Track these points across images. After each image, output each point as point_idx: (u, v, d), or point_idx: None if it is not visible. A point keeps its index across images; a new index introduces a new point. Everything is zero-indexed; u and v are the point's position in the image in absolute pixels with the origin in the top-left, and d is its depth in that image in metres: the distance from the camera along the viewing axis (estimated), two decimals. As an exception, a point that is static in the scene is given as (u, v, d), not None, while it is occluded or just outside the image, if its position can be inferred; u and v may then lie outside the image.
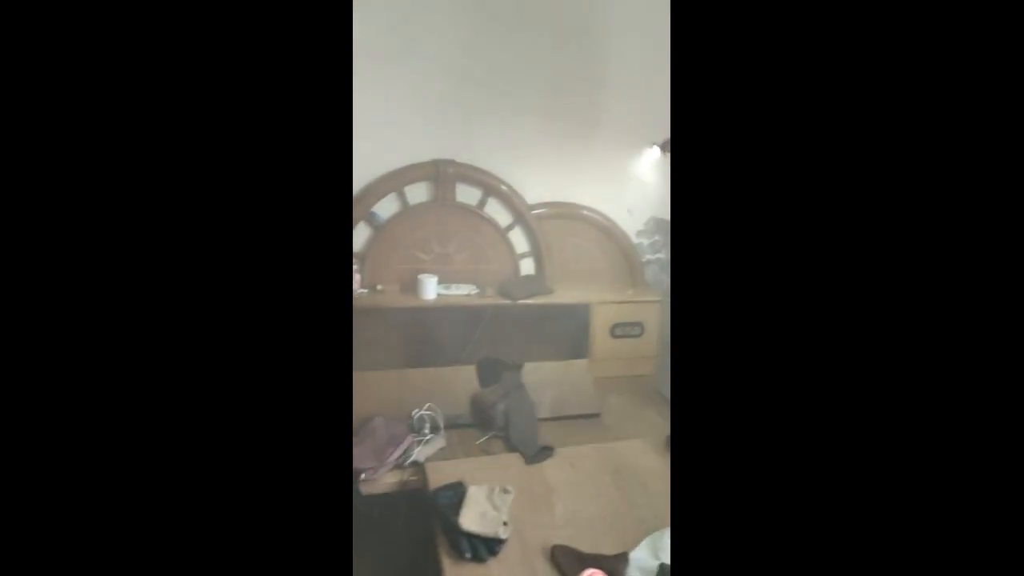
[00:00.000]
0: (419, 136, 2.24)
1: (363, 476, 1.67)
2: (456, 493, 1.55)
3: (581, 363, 2.28)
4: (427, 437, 1.84)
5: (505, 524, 1.43)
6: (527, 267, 2.50)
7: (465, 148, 2.29)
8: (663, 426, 2.04)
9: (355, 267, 2.26)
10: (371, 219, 2.26)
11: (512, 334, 2.37)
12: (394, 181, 2.24)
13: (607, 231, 2.55)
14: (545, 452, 1.81)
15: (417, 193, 2.30)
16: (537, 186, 2.43)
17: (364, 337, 2.22)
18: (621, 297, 2.47)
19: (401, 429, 1.84)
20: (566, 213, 2.48)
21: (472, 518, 1.44)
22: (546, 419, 2.05)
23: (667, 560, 1.32)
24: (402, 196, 2.28)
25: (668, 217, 2.58)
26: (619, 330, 2.45)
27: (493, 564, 1.36)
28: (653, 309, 2.49)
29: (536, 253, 2.47)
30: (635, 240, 2.62)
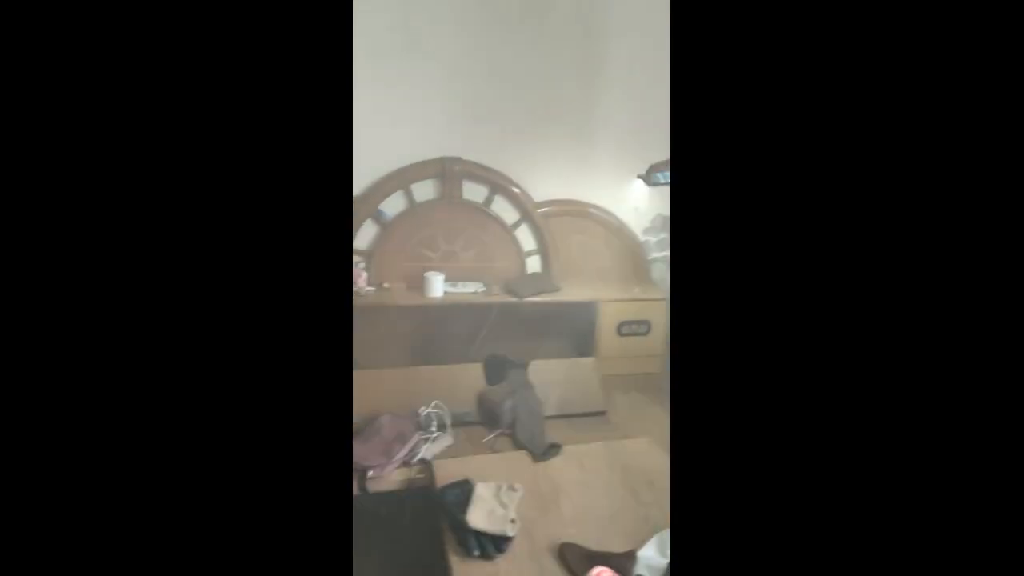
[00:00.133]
0: (425, 134, 2.24)
1: (370, 473, 1.67)
2: (463, 491, 1.55)
3: (588, 361, 2.27)
4: (434, 435, 1.84)
5: (513, 522, 1.43)
6: (533, 265, 2.50)
7: (471, 146, 2.29)
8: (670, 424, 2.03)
9: (362, 265, 2.26)
10: (378, 217, 2.26)
11: (518, 332, 2.37)
12: (401, 179, 2.24)
13: (614, 229, 2.54)
14: (552, 450, 1.81)
15: (424, 191, 2.30)
16: (544, 183, 2.43)
17: (371, 335, 2.23)
18: (628, 295, 2.47)
19: (408, 426, 1.84)
20: (573, 211, 2.48)
21: (480, 516, 1.44)
22: (553, 417, 2.04)
23: (675, 558, 1.32)
24: (409, 194, 2.28)
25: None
26: (626, 328, 2.44)
27: (501, 561, 1.36)
28: (660, 307, 2.48)
29: (543, 251, 2.47)
30: (642, 238, 2.61)
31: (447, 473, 1.66)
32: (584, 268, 2.54)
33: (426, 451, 1.78)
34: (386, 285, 2.29)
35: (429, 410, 1.89)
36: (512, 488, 1.55)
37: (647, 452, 1.81)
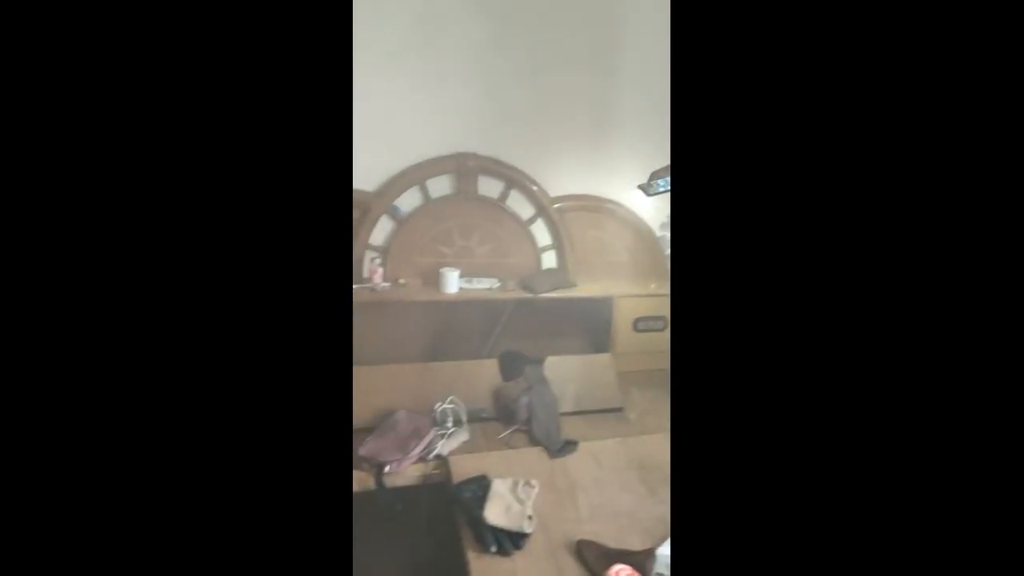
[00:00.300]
0: (441, 129, 2.24)
1: (387, 468, 1.68)
2: (480, 486, 1.54)
3: (604, 357, 2.26)
4: (450, 430, 1.84)
5: (530, 518, 1.42)
6: (549, 260, 2.48)
7: (487, 141, 2.28)
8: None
9: (378, 261, 2.26)
10: (393, 213, 2.26)
11: (534, 328, 2.37)
12: (416, 174, 2.24)
13: (630, 224, 2.52)
14: (569, 446, 1.80)
15: (439, 186, 2.30)
16: (559, 179, 2.41)
17: (387, 330, 2.24)
18: (644, 291, 2.44)
19: (424, 422, 1.84)
20: (588, 206, 2.46)
21: (497, 512, 1.43)
22: (569, 413, 2.04)
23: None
24: (424, 189, 2.28)
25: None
26: (642, 324, 2.42)
27: (519, 557, 1.36)
28: (677, 303, 2.46)
29: (558, 246, 2.46)
30: (658, 233, 2.59)
31: (463, 469, 1.65)
32: (600, 263, 2.52)
33: (442, 447, 1.78)
34: (402, 281, 2.29)
35: (445, 406, 1.88)
36: (529, 484, 1.55)
37: (664, 449, 1.79)
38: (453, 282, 2.23)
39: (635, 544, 1.38)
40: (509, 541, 1.38)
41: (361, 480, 1.68)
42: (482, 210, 2.34)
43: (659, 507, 1.54)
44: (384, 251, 2.29)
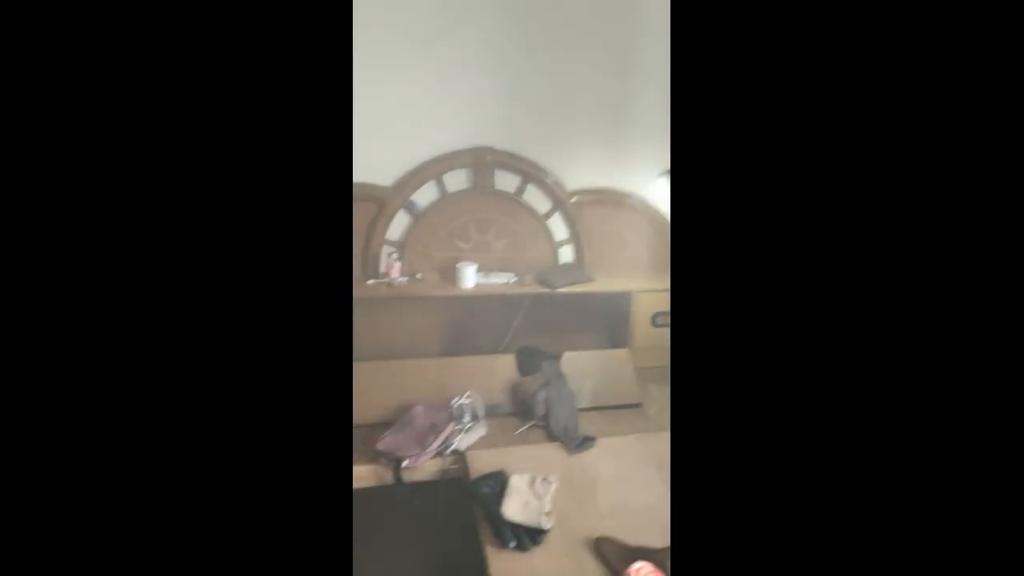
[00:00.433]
0: (457, 123, 2.22)
1: (405, 463, 1.68)
2: (498, 482, 1.54)
3: (622, 352, 2.24)
4: (467, 425, 1.83)
5: (548, 514, 1.42)
6: (566, 255, 2.46)
7: (504, 135, 2.26)
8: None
9: (395, 255, 2.27)
10: (410, 207, 2.26)
11: (551, 323, 2.35)
12: (433, 169, 2.23)
13: (648, 218, 2.49)
14: (587, 442, 1.79)
15: (456, 181, 2.29)
16: (576, 172, 2.39)
17: (404, 325, 2.24)
18: (662, 285, 2.41)
19: (442, 417, 1.84)
20: (606, 199, 2.44)
21: (515, 508, 1.43)
22: (586, 409, 2.02)
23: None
24: (441, 184, 2.27)
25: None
26: (660, 319, 2.40)
27: (537, 553, 1.35)
28: (696, 298, 2.43)
29: (575, 240, 2.44)
30: (677, 227, 2.56)
31: (481, 464, 1.65)
32: (617, 258, 2.50)
33: (460, 442, 1.77)
34: (419, 276, 2.29)
35: (462, 401, 1.88)
36: (546, 480, 1.54)
37: (684, 445, 1.78)
38: (470, 277, 2.23)
39: (655, 541, 1.36)
40: (527, 537, 1.38)
41: (379, 475, 1.69)
42: (499, 204, 2.33)
43: (679, 504, 1.52)
44: (401, 246, 2.29)
